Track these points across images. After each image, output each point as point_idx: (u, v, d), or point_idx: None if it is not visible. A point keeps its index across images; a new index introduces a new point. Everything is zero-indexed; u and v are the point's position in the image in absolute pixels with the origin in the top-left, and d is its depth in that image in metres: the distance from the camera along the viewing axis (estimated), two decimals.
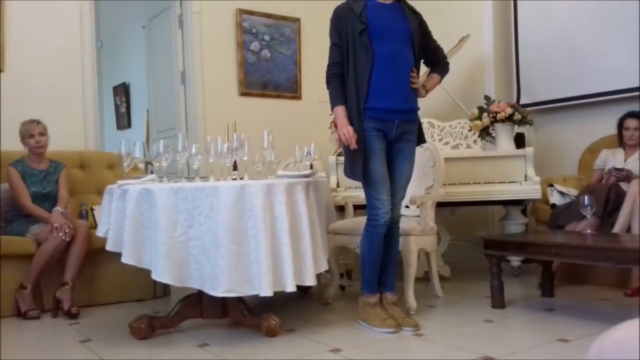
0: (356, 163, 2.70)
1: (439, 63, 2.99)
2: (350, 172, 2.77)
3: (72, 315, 3.16)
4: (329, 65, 2.80)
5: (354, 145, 2.66)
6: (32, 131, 3.48)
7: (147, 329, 2.70)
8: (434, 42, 2.97)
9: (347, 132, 2.66)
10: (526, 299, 3.37)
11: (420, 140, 2.94)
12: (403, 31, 2.74)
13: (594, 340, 0.91)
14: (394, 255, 2.89)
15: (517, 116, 3.98)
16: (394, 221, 2.81)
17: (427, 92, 2.91)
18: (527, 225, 4.12)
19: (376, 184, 2.72)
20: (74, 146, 4.13)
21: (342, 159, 4.03)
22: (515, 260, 3.97)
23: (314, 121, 4.74)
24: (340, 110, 2.73)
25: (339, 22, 2.76)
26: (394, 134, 2.75)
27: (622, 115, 3.81)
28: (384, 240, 2.79)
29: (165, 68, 5.12)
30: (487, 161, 3.92)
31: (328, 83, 2.79)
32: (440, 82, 3.04)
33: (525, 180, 3.85)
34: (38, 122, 3.51)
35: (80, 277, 3.35)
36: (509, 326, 2.79)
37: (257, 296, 2.49)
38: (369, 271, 2.83)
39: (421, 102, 2.90)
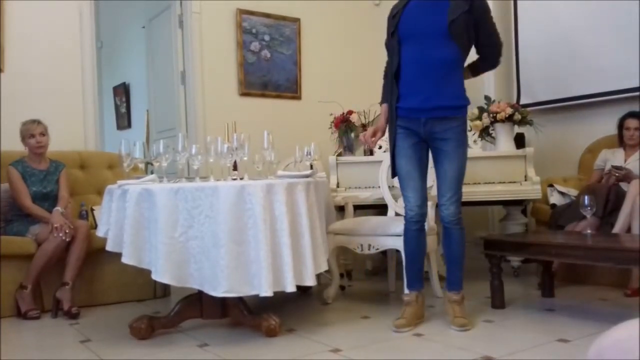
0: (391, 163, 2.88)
1: (486, 58, 2.85)
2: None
3: (72, 316, 3.16)
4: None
5: (370, 145, 2.85)
6: (33, 131, 3.48)
7: (147, 329, 2.70)
8: (486, 33, 2.77)
9: (366, 132, 2.84)
10: (526, 299, 3.37)
11: None
12: (436, 26, 2.65)
13: (594, 340, 0.91)
14: (452, 254, 2.82)
15: (517, 116, 3.97)
16: (447, 221, 2.77)
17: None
18: (527, 225, 4.12)
19: (402, 180, 2.82)
20: (74, 146, 4.13)
21: (341, 159, 4.08)
22: (515, 261, 3.97)
23: (314, 121, 4.74)
24: (382, 108, 2.89)
25: (387, 24, 2.83)
26: (423, 132, 2.73)
27: (622, 115, 3.81)
28: (444, 238, 2.82)
29: (165, 68, 5.12)
30: (487, 161, 3.92)
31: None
32: (470, 77, 2.87)
33: (525, 180, 3.85)
34: (39, 122, 3.51)
35: (80, 277, 3.35)
36: (509, 326, 2.79)
37: (257, 296, 2.49)
38: (406, 266, 2.89)
39: None
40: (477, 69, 2.91)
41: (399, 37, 2.72)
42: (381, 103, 2.90)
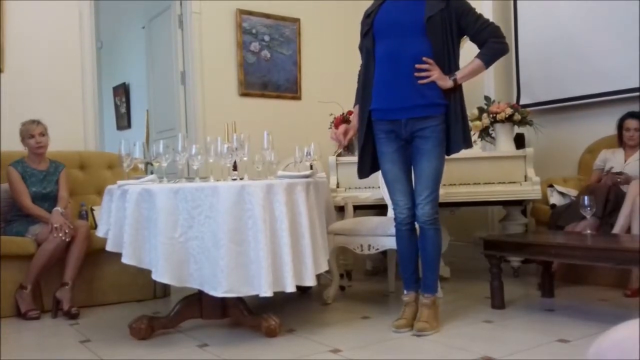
0: (359, 162, 2.86)
1: (483, 44, 2.72)
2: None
3: (71, 316, 3.16)
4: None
5: (341, 142, 2.84)
6: (33, 131, 3.47)
7: (147, 330, 2.70)
8: (476, 22, 2.68)
9: (337, 130, 2.84)
10: (526, 299, 3.37)
11: (462, 142, 2.71)
12: (413, 23, 2.63)
13: (594, 340, 0.91)
14: (427, 256, 2.76)
15: (517, 116, 3.98)
16: (422, 221, 2.71)
17: (457, 80, 2.65)
18: (526, 225, 4.12)
19: (388, 185, 2.82)
20: (74, 146, 4.12)
21: (341, 159, 4.08)
22: (515, 261, 3.97)
23: (313, 121, 4.74)
24: (355, 109, 2.89)
25: (361, 26, 2.83)
26: (404, 132, 2.69)
27: (622, 115, 3.81)
28: (419, 239, 2.78)
29: (165, 68, 5.12)
30: (487, 161, 3.92)
31: None
32: (483, 66, 2.73)
33: (525, 180, 3.85)
34: (38, 123, 3.51)
35: (80, 278, 3.35)
36: (508, 326, 2.79)
37: (257, 296, 2.49)
38: (400, 267, 2.89)
39: None
40: (487, 56, 2.73)
41: (373, 35, 2.71)
42: (355, 105, 2.90)
